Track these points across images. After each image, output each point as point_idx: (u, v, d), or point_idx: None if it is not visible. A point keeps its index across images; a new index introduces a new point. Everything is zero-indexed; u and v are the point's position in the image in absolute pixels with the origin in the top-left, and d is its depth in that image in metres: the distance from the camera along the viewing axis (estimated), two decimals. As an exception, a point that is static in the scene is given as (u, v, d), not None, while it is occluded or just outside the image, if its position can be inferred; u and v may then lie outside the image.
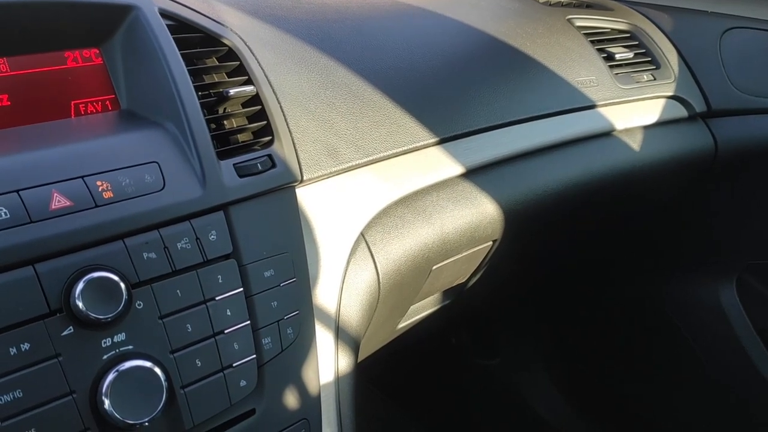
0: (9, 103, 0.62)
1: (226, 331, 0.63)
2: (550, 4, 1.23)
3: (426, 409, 1.78)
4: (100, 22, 0.67)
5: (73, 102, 0.66)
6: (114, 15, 0.67)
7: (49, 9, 0.63)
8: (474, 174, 0.94)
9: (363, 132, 0.82)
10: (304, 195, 0.75)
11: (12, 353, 0.52)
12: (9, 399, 0.52)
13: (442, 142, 0.90)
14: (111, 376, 0.55)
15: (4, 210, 0.53)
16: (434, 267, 0.91)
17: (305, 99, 0.78)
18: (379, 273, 0.80)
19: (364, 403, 1.66)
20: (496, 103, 0.97)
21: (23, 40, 0.63)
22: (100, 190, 0.58)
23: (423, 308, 1.06)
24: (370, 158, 0.82)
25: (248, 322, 0.64)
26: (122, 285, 0.56)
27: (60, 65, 0.66)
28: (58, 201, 0.56)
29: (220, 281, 0.63)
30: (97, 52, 0.68)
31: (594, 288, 1.60)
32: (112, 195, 0.58)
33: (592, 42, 1.15)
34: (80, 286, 0.54)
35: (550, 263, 1.36)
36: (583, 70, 1.10)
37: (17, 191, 0.54)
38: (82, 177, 0.57)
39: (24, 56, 0.63)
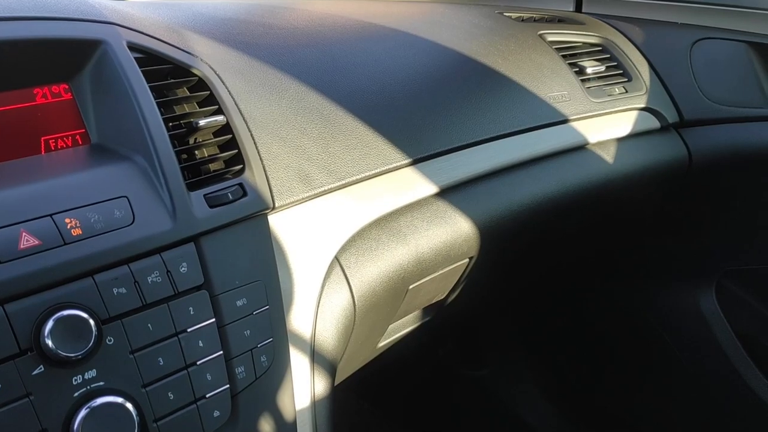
0: (-22, 142, 0.63)
1: (198, 363, 0.63)
2: (522, 20, 1.25)
3: (416, 422, 1.78)
4: (68, 57, 0.67)
5: (43, 138, 0.67)
6: (82, 50, 0.67)
7: (16, 47, 0.64)
8: (448, 193, 0.95)
9: (335, 156, 0.83)
10: (276, 221, 0.76)
11: (-17, 395, 0.52)
12: (-19, 440, 0.52)
13: (415, 162, 0.91)
14: (82, 413, 0.56)
15: (-28, 252, 0.53)
16: (411, 286, 0.92)
17: (276, 126, 0.79)
18: (355, 296, 0.81)
19: (352, 417, 1.67)
20: (469, 122, 0.98)
21: (-9, 79, 0.64)
22: (68, 227, 0.58)
23: (403, 326, 1.07)
24: (343, 182, 0.82)
25: (221, 352, 0.65)
26: (91, 322, 0.56)
27: (29, 102, 0.66)
28: (27, 240, 0.56)
29: (191, 313, 0.64)
30: (67, 87, 0.68)
31: (575, 297, 1.61)
32: (81, 232, 0.58)
33: (564, 57, 1.16)
34: (50, 324, 0.55)
35: (527, 277, 1.37)
36: (556, 85, 1.11)
37: (-15, 232, 0.55)
38: (51, 215, 0.58)
39: (-8, 95, 0.64)
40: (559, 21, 1.28)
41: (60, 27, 0.67)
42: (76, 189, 0.61)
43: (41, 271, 0.56)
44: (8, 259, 0.55)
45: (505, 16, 1.25)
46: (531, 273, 1.35)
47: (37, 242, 0.56)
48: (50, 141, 0.67)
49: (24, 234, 0.56)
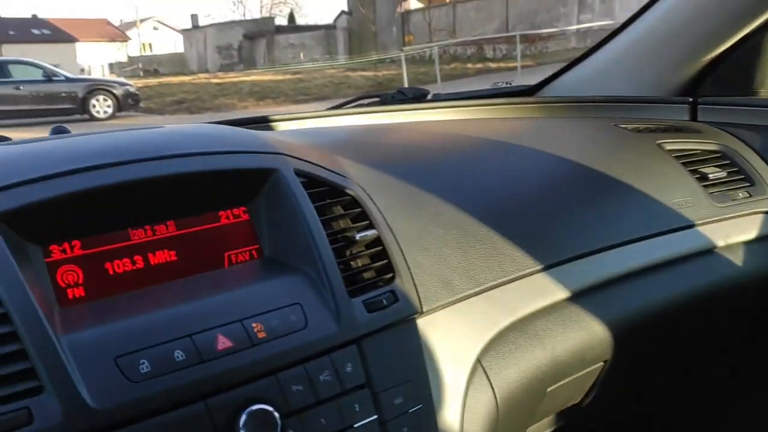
0: (176, 258, 0.73)
1: (362, 457, 0.69)
2: (638, 131, 1.30)
3: None
4: (248, 184, 0.78)
5: (225, 253, 0.77)
6: (259, 178, 0.78)
7: (209, 177, 0.75)
8: (581, 296, 0.99)
9: (473, 264, 0.89)
10: (423, 325, 0.82)
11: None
12: None
13: (548, 267, 0.96)
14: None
15: (181, 352, 0.63)
16: (549, 389, 0.95)
17: (420, 238, 0.87)
18: (497, 397, 0.85)
19: None
20: (599, 228, 1.03)
21: (187, 205, 0.75)
22: (255, 331, 0.67)
23: (539, 430, 1.08)
24: (482, 287, 0.89)
25: (384, 447, 0.71)
26: (277, 415, 0.64)
27: (215, 223, 0.77)
28: (223, 342, 0.65)
29: (357, 409, 0.70)
30: (245, 209, 0.79)
31: (704, 400, 1.56)
32: (265, 335, 0.67)
33: (684, 164, 1.20)
34: (243, 418, 0.62)
35: (662, 382, 1.35)
36: (679, 192, 1.15)
37: (190, 336, 0.64)
38: (241, 320, 0.67)
39: (187, 218, 0.75)
40: (675, 130, 1.32)
41: (243, 159, 0.78)
42: (259, 297, 0.70)
43: (235, 369, 0.64)
44: (209, 359, 0.63)
45: (621, 127, 1.31)
46: (664, 378, 1.33)
47: (231, 344, 0.65)
48: (231, 255, 0.77)
49: (220, 337, 0.65)
